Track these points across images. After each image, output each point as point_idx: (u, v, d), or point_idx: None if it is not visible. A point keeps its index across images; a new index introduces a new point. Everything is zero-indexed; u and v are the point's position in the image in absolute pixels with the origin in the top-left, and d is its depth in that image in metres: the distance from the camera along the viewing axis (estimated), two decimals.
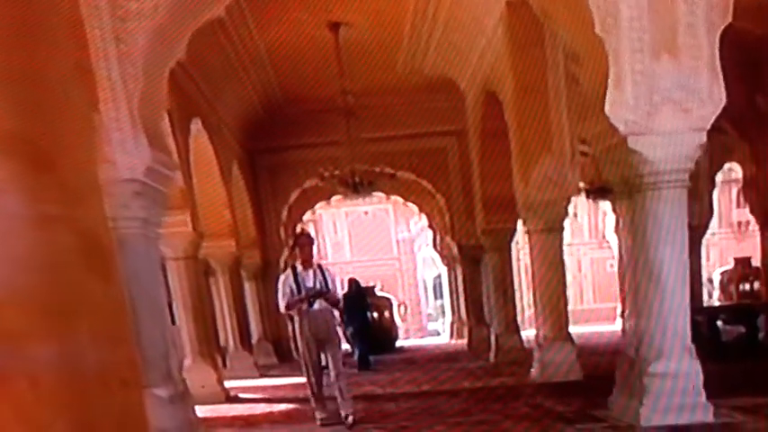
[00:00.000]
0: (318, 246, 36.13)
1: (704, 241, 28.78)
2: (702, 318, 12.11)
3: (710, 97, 6.37)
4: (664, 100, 6.36)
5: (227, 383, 11.72)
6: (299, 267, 7.84)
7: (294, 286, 7.71)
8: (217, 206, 13.14)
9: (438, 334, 27.92)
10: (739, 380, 9.02)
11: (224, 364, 13.65)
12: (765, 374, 9.19)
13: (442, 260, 19.98)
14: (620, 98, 6.44)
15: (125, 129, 6.63)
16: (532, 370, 10.46)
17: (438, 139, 15.68)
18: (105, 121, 6.54)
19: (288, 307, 7.82)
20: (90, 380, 3.74)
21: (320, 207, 21.35)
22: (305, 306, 7.72)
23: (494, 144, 11.82)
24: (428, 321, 34.84)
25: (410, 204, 18.91)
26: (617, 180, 7.01)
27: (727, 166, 15.51)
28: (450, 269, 18.97)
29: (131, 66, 6.64)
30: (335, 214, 34.02)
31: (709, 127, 6.45)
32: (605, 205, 12.39)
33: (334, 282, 8.09)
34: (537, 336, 10.55)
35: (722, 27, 6.32)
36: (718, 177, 16.00)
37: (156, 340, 6.91)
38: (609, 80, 6.45)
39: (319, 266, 8.05)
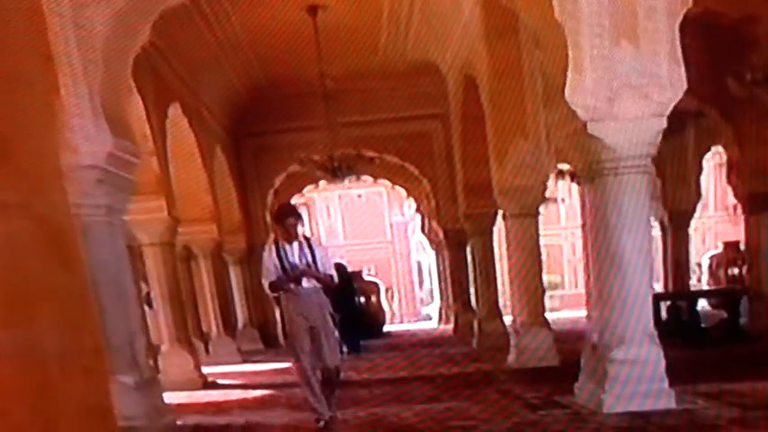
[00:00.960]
0: (312, 229, 36.31)
1: (699, 225, 29.06)
2: (684, 303, 12.20)
3: (671, 83, 6.38)
4: (624, 85, 6.38)
5: (210, 369, 11.84)
6: (282, 242, 6.89)
7: (278, 263, 6.79)
8: (197, 191, 13.19)
9: (430, 318, 28.05)
10: (712, 365, 9.13)
11: (206, 350, 13.75)
12: (739, 360, 9.28)
13: (430, 244, 20.04)
14: (580, 83, 6.46)
15: (86, 115, 6.64)
16: (509, 356, 10.54)
17: (423, 122, 15.69)
18: (66, 107, 6.56)
19: (272, 288, 6.90)
20: (50, 367, 3.78)
21: (313, 190, 21.42)
22: (292, 286, 6.80)
23: (474, 128, 11.82)
24: (422, 305, 34.96)
25: (398, 188, 18.99)
26: (580, 165, 7.05)
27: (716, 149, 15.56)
28: (438, 253, 19.04)
29: (91, 52, 6.65)
30: (328, 198, 34.10)
31: (668, 113, 6.45)
32: None
33: (325, 258, 7.04)
34: (514, 321, 10.62)
35: (682, 13, 6.34)
36: (716, 160, 16.03)
37: (120, 327, 6.95)
38: (569, 65, 6.48)
39: (306, 240, 7.02)
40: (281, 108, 15.26)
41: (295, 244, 6.85)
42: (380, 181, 19.16)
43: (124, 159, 7.07)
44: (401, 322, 30.11)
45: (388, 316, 17.87)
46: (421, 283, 36.27)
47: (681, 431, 5.91)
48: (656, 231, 17.42)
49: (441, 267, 19.35)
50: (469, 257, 13.71)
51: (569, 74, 6.49)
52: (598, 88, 6.41)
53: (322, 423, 6.92)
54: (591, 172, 6.82)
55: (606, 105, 6.42)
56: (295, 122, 15.16)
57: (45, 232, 3.47)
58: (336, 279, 7.14)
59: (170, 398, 9.29)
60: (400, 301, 34.50)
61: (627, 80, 6.37)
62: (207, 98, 13.93)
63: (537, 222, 10.39)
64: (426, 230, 18.87)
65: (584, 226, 7.34)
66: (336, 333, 7.27)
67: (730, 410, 6.40)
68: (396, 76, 14.72)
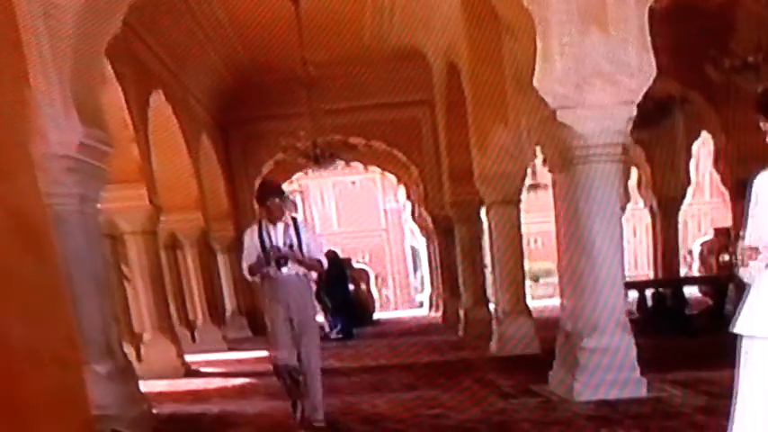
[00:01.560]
0: (306, 217, 36.34)
1: (695, 211, 29.10)
2: (668, 290, 12.24)
3: (640, 69, 6.42)
4: (593, 73, 6.43)
5: (195, 357, 11.94)
6: (264, 222, 6.38)
7: (259, 245, 6.29)
8: (182, 179, 13.21)
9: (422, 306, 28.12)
10: (690, 353, 9.19)
11: (193, 338, 13.82)
12: (718, 347, 9.29)
13: (421, 231, 20.03)
14: (549, 71, 6.52)
15: (56, 105, 6.68)
16: (491, 344, 10.61)
17: (410, 108, 15.62)
18: (36, 96, 6.60)
19: (251, 271, 6.41)
20: (18, 357, 3.85)
21: (307, 178, 21.43)
22: (272, 271, 6.27)
23: (459, 115, 11.83)
24: (416, 293, 34.97)
25: (388, 175, 19.02)
26: (551, 153, 7.10)
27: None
28: (429, 240, 19.04)
29: (61, 41, 6.67)
30: (322, 184, 34.07)
31: (639, 100, 6.48)
32: None
33: (313, 241, 6.58)
34: (496, 309, 10.70)
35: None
36: (710, 146, 16.05)
37: (94, 316, 7.01)
38: (537, 53, 6.52)
39: (294, 221, 6.51)
40: (268, 95, 15.23)
41: (279, 225, 6.34)
42: (372, 168, 19.18)
43: (96, 148, 7.10)
44: (395, 309, 30.21)
45: (378, 303, 17.88)
46: (415, 270, 36.27)
47: (645, 419, 5.96)
48: (647, 218, 17.53)
49: (431, 254, 19.36)
50: (457, 244, 13.69)
51: (538, 62, 6.54)
52: (567, 76, 6.46)
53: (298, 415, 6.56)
54: (561, 160, 6.88)
55: (575, 93, 6.47)
56: (282, 109, 15.08)
57: (16, 223, 3.54)
58: (326, 264, 6.74)
59: (151, 386, 9.40)
60: (394, 288, 34.56)
61: (596, 68, 6.42)
62: (192, 85, 13.94)
63: (518, 210, 10.43)
64: (417, 217, 18.86)
65: (556, 214, 7.35)
66: (319, 326, 6.87)
67: (698, 398, 6.46)
68: (382, 62, 14.67)
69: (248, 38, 13.24)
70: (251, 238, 6.38)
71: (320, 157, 13.32)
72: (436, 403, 7.26)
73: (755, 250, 3.17)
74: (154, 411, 7.89)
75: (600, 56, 6.39)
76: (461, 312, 13.50)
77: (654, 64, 6.42)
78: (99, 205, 7.65)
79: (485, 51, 9.68)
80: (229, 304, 16.77)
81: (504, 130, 9.70)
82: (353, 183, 33.55)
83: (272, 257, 6.18)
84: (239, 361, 12.37)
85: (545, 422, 6.12)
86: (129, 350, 10.57)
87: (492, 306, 12.84)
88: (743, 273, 3.32)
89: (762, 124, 3.22)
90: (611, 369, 6.62)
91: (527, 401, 6.97)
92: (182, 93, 13.25)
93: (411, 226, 20.96)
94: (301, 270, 6.36)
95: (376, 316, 17.97)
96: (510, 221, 10.29)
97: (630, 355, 6.71)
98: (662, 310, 11.89)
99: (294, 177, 19.24)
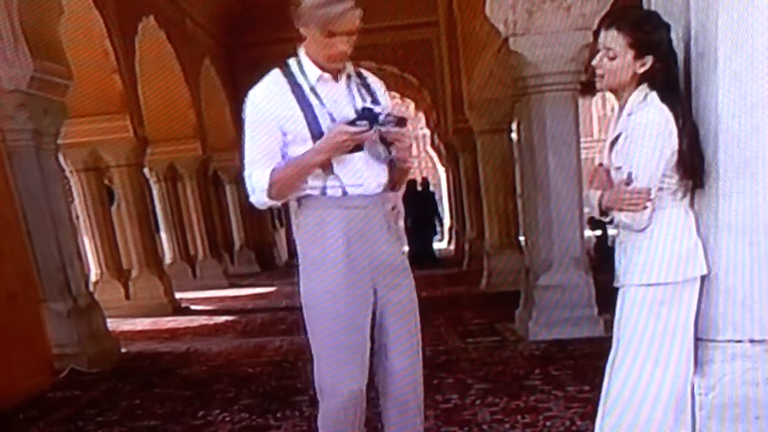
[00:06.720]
0: None
1: None
2: None
3: None
4: None
5: (191, 294, 12.32)
6: (312, 71, 3.03)
7: (304, 118, 2.95)
8: (180, 108, 13.30)
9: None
10: None
11: (194, 274, 14.14)
12: None
13: (440, 160, 19.92)
14: None
15: (5, 39, 6.89)
16: (482, 279, 10.77)
17: (422, 30, 15.30)
18: None
19: (283, 183, 2.98)
20: None
21: None
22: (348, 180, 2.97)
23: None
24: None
25: (407, 100, 18.88)
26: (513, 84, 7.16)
27: None
28: (447, 169, 18.96)
29: None
30: None
31: (594, 26, 6.47)
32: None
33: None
34: (485, 244, 10.80)
35: None
36: None
37: (51, 253, 7.29)
38: None
39: (358, 74, 3.18)
40: (274, 17, 15.13)
41: (342, 81, 3.09)
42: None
43: (51, 82, 7.30)
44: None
45: None
46: None
47: (593, 359, 6.06)
48: None
49: (449, 184, 19.32)
50: (462, 174, 13.70)
51: None
52: (517, 1, 6.48)
53: None
54: (516, 90, 6.95)
55: (526, 19, 6.50)
56: (288, 33, 14.99)
57: None
58: None
59: (134, 324, 9.81)
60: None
61: None
62: (191, 9, 13.93)
63: (509, 138, 10.44)
64: (435, 145, 18.72)
65: (518, 149, 7.41)
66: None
67: None
68: None
69: None
70: (276, 107, 2.99)
71: None
72: None
73: (649, 192, 2.78)
74: (123, 350, 8.24)
75: None
76: (467, 245, 13.62)
77: None
78: (59, 140, 7.88)
79: None
80: (237, 238, 17.07)
81: (491, 54, 9.68)
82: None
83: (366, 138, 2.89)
84: (234, 298, 12.63)
85: (486, 362, 6.26)
86: (117, 287, 11.02)
87: None
88: (630, 218, 2.85)
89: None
90: (565, 307, 6.75)
91: (481, 341, 7.13)
92: (178, 16, 13.27)
93: (432, 154, 20.71)
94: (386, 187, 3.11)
95: None
96: (499, 149, 10.34)
97: (587, 292, 6.81)
98: None
99: None
